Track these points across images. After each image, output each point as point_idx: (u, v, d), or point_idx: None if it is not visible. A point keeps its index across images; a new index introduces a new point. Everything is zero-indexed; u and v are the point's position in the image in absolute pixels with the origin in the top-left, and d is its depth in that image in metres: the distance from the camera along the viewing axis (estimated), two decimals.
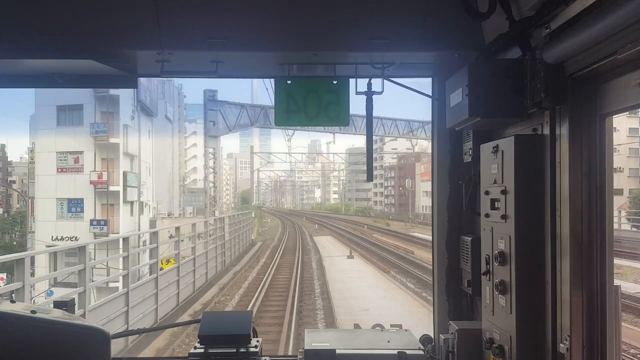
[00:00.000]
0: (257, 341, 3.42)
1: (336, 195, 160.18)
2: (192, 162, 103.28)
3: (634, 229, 32.98)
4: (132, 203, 42.14)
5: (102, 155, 40.03)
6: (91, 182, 39.29)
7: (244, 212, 42.03)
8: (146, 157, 46.08)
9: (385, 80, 3.63)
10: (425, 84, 3.91)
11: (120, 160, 40.33)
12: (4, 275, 30.74)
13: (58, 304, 2.99)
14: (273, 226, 70.57)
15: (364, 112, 3.68)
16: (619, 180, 50.18)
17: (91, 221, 38.81)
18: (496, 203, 3.03)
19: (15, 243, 55.77)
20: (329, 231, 55.20)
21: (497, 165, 3.01)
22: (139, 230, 39.21)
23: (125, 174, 40.54)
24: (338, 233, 51.33)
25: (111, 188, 39.23)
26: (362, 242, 40.41)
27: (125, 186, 40.22)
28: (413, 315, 15.47)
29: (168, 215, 48.53)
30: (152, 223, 41.15)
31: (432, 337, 3.71)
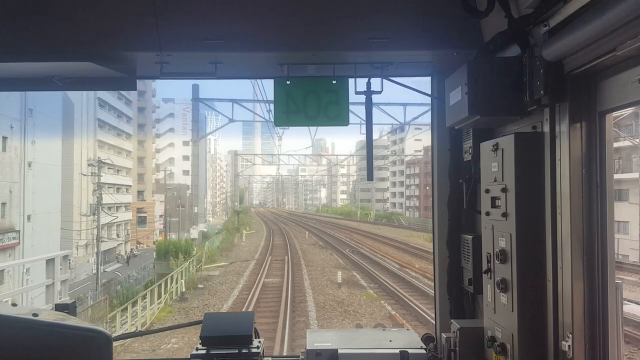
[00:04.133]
0: (259, 342, 3.43)
1: (344, 196, 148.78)
2: (169, 152, 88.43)
3: None
4: None
5: None
6: None
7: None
8: None
9: (384, 80, 3.63)
10: (424, 82, 3.91)
11: None
12: None
13: (60, 307, 3.00)
14: (248, 250, 40.77)
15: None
16: None
17: None
18: (496, 201, 3.03)
19: None
20: (377, 289, 22.93)
21: (497, 163, 3.01)
22: None
23: None
24: (413, 311, 18.72)
25: None
26: None
27: None
28: None
29: None
30: None
31: (434, 335, 3.71)
